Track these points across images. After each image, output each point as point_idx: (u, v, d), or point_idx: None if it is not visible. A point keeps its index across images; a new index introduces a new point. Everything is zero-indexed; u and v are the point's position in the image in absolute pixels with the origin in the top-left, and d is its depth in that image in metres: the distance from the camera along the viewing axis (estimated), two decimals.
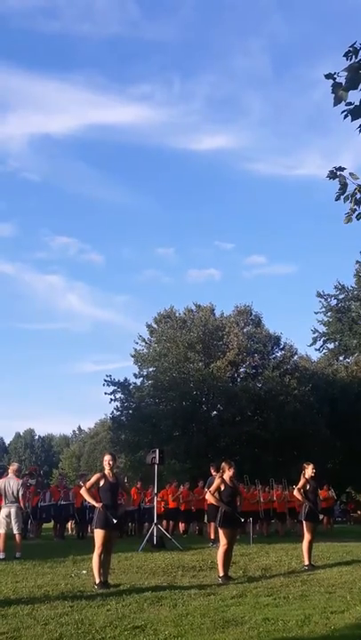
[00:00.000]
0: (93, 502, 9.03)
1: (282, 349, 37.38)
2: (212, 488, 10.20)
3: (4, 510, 12.41)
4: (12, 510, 12.46)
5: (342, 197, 5.97)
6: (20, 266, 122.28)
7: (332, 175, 5.87)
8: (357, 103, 5.16)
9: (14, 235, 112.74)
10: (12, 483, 12.66)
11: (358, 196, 5.96)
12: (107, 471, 9.14)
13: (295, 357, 38.14)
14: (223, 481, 9.91)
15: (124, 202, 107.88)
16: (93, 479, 9.25)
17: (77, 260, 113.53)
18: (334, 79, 5.19)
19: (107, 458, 9.33)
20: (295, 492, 12.07)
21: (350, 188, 5.94)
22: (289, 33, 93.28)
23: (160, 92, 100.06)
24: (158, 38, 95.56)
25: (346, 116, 5.21)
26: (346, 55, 5.09)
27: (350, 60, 5.10)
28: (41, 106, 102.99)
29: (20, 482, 12.90)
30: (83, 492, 9.62)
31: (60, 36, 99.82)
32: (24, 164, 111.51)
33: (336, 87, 5.19)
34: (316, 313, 49.92)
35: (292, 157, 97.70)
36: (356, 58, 5.10)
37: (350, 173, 5.89)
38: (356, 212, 6.07)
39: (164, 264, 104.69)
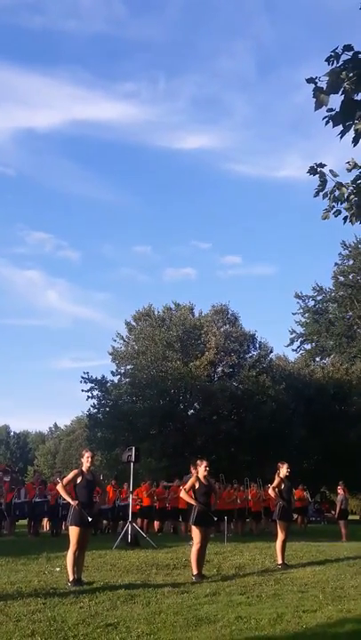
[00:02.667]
0: (69, 499, 9.01)
1: (257, 348, 37.56)
2: (187, 486, 10.23)
3: None
4: None
5: (321, 194, 6.03)
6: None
7: (313, 171, 5.92)
8: (338, 109, 5.21)
9: None
10: None
11: (337, 193, 6.03)
12: (85, 468, 9.12)
13: (271, 356, 38.36)
14: (198, 479, 9.94)
15: (104, 198, 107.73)
16: (70, 475, 9.22)
17: (54, 256, 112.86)
18: (316, 83, 5.24)
19: (87, 454, 9.32)
20: (270, 491, 12.17)
21: (329, 185, 6.00)
22: (274, 35, 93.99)
23: (145, 90, 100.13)
24: (144, 37, 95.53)
25: (327, 122, 5.26)
26: (328, 60, 5.14)
27: (332, 64, 5.15)
28: (25, 100, 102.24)
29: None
30: (59, 488, 9.59)
31: (45, 31, 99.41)
32: (5, 158, 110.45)
33: (317, 91, 5.23)
34: (293, 314, 50.37)
35: (274, 159, 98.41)
36: (337, 63, 5.15)
37: (330, 170, 5.95)
38: (334, 209, 6.14)
39: (141, 262, 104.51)
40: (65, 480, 9.41)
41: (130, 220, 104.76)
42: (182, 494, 10.53)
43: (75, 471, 9.26)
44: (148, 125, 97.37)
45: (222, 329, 36.91)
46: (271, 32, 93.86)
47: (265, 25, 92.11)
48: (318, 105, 5.26)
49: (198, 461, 10.25)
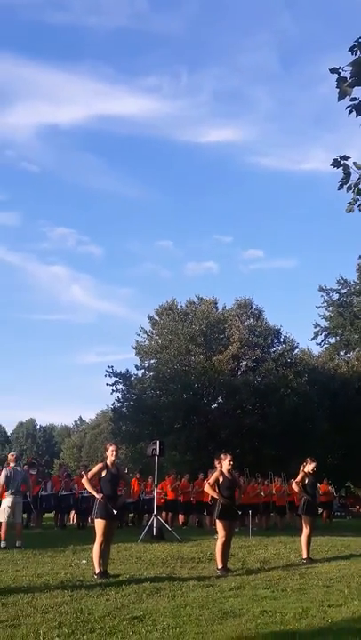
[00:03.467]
0: (94, 492, 9.07)
1: (282, 343, 37.38)
2: (211, 480, 10.25)
3: (8, 499, 12.48)
4: (16, 500, 12.56)
5: (345, 187, 5.96)
6: (24, 256, 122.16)
7: (336, 163, 5.86)
8: None
9: (18, 224, 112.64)
10: (17, 472, 12.77)
11: None
12: (110, 461, 9.18)
13: (296, 351, 38.13)
14: (221, 473, 9.95)
15: (126, 193, 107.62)
16: (95, 469, 9.28)
17: (76, 251, 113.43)
18: (339, 74, 5.19)
19: (112, 448, 9.37)
20: (293, 486, 12.13)
21: (353, 178, 5.93)
22: (296, 28, 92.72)
23: (167, 85, 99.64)
24: (166, 31, 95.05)
25: (351, 112, 5.20)
26: (351, 50, 5.08)
27: (355, 54, 5.09)
28: (49, 96, 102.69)
29: (25, 471, 13.03)
30: (84, 481, 9.66)
31: (68, 27, 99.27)
32: (29, 154, 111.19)
33: (341, 82, 5.18)
34: (317, 307, 49.91)
35: (297, 152, 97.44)
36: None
37: (354, 162, 5.88)
38: (359, 202, 6.07)
39: (163, 257, 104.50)
40: (90, 473, 9.48)
41: (151, 214, 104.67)
42: (207, 488, 10.55)
43: (99, 464, 9.31)
44: (171, 120, 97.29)
45: (246, 323, 36.77)
46: (293, 24, 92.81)
47: (287, 17, 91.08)
48: (342, 95, 5.21)
49: (222, 455, 10.26)
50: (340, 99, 5.22)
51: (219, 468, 10.18)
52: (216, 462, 11.55)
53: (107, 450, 9.42)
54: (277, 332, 37.44)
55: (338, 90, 5.22)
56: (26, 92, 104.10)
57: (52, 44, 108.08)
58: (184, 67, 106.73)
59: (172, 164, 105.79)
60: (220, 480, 9.91)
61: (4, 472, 12.82)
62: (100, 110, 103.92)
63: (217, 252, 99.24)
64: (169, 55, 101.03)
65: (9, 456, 13.78)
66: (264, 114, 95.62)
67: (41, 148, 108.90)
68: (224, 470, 9.97)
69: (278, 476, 23.01)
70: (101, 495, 8.92)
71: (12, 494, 12.51)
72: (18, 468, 13.08)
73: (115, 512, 8.96)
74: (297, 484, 11.57)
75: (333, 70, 5.20)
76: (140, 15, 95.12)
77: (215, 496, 9.95)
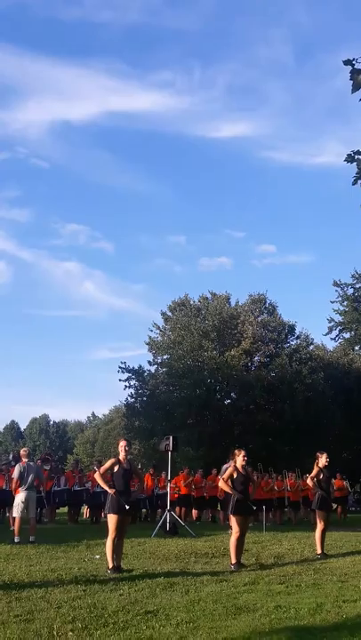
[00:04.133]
0: (107, 487, 9.08)
1: (297, 338, 37.25)
2: (225, 475, 10.23)
3: (22, 495, 12.54)
4: (30, 495, 12.61)
5: (360, 182, 5.91)
6: (37, 252, 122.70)
7: (350, 159, 5.80)
8: None
9: (30, 221, 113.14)
10: (30, 468, 12.83)
11: None
12: (122, 457, 9.19)
13: (310, 347, 37.95)
14: (236, 468, 9.93)
15: (138, 189, 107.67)
16: (108, 464, 9.30)
17: (89, 247, 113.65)
18: (353, 65, 5.14)
19: (122, 443, 9.41)
20: (308, 481, 12.08)
21: None
22: (310, 21, 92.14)
23: (180, 80, 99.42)
24: (179, 26, 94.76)
25: None
26: None
27: None
28: (61, 93, 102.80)
29: (38, 466, 13.10)
30: (96, 476, 9.68)
31: (80, 23, 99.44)
32: (41, 150, 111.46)
33: (354, 73, 5.13)
34: (332, 302, 49.69)
35: (312, 145, 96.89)
36: None
37: None
38: None
39: (175, 252, 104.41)
40: (102, 468, 9.49)
41: (163, 210, 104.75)
42: (221, 483, 10.53)
43: (112, 460, 9.32)
44: (184, 115, 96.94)
45: (259, 318, 36.66)
46: (307, 17, 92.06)
47: (301, 10, 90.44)
48: (356, 87, 5.16)
49: (236, 451, 10.24)
50: (353, 90, 5.17)
51: (233, 464, 10.17)
52: (231, 457, 11.53)
53: (118, 445, 9.47)
54: (292, 328, 37.32)
55: (352, 82, 5.17)
56: (38, 89, 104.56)
57: (65, 39, 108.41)
58: (197, 61, 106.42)
59: (184, 159, 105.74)
60: (235, 475, 9.90)
61: (17, 468, 12.89)
62: (113, 106, 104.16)
63: (230, 248, 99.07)
64: (182, 50, 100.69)
65: (21, 451, 13.85)
66: (278, 108, 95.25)
67: (53, 144, 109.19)
68: (238, 466, 9.96)
69: (292, 471, 22.95)
70: (113, 490, 8.93)
71: (25, 490, 12.57)
72: (31, 464, 13.16)
73: (127, 507, 8.96)
74: (311, 479, 11.53)
75: (347, 62, 5.14)
76: (153, 10, 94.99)
77: (230, 491, 9.94)
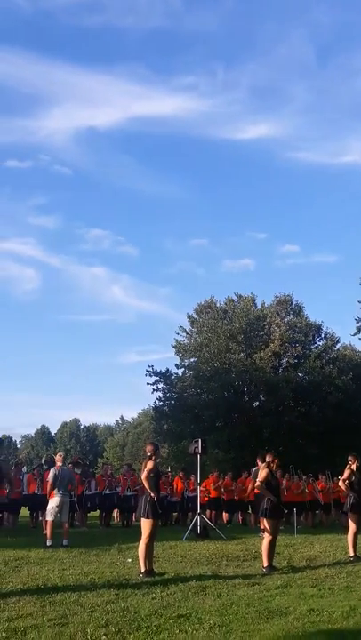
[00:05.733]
0: (152, 492, 8.96)
1: (324, 339, 36.95)
2: (262, 479, 10.18)
3: (56, 499, 12.64)
4: (64, 499, 12.73)
5: None
6: (65, 258, 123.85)
7: None
8: None
9: (57, 227, 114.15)
10: (64, 472, 12.96)
11: None
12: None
13: (337, 347, 37.62)
14: (271, 472, 9.92)
15: (161, 193, 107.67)
16: (151, 466, 9.21)
17: (114, 252, 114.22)
18: None
19: (150, 447, 9.43)
20: (340, 484, 11.98)
21: None
22: (332, 20, 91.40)
23: (203, 83, 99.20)
24: (201, 29, 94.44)
25: None
26: None
27: None
28: (86, 99, 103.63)
29: (71, 470, 13.22)
30: (143, 479, 9.55)
31: (103, 29, 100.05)
32: (66, 157, 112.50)
33: None
34: (359, 302, 49.20)
35: (335, 144, 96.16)
36: None
37: None
38: None
39: (198, 255, 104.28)
40: (146, 471, 9.30)
41: (186, 213, 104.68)
42: (260, 488, 10.45)
43: (153, 462, 9.27)
44: (208, 118, 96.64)
45: (286, 319, 36.47)
46: (328, 16, 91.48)
47: (322, 9, 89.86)
48: None
49: (268, 455, 10.22)
50: None
51: (265, 467, 10.13)
52: (258, 461, 11.47)
53: (147, 450, 9.49)
54: (318, 328, 37.05)
55: None
56: (63, 96, 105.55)
57: (89, 46, 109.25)
58: (220, 64, 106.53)
59: (208, 162, 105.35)
60: (270, 479, 9.90)
61: (52, 472, 13.01)
62: (137, 112, 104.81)
63: (252, 249, 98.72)
64: (204, 53, 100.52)
65: (57, 456, 13.98)
66: (301, 107, 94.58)
67: (78, 151, 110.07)
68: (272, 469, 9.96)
69: (323, 473, 22.75)
70: (156, 495, 8.93)
71: (60, 494, 12.69)
72: (65, 468, 13.29)
73: (160, 511, 8.98)
74: (343, 481, 11.44)
75: None
76: (175, 14, 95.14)
77: (268, 496, 9.89)
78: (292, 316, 37.17)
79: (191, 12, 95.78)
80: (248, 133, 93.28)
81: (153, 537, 8.99)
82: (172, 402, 34.37)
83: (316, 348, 36.13)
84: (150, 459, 9.25)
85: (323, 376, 32.99)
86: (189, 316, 38.47)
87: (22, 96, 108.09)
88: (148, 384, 34.53)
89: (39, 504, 16.55)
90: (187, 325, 38.09)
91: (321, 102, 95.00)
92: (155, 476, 9.19)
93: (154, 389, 34.57)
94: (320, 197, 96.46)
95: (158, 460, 9.51)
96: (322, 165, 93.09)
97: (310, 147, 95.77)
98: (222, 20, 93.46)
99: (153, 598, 7.11)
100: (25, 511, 19.07)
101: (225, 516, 20.84)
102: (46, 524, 13.06)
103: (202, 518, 15.10)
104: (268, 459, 10.23)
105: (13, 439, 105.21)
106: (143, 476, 9.18)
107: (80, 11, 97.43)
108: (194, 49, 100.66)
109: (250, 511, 19.87)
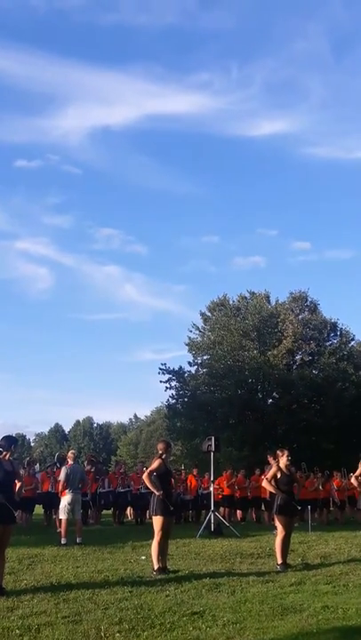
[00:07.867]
0: (155, 489, 9.04)
1: (338, 335, 36.75)
2: (269, 475, 10.17)
3: (68, 497, 12.68)
4: (76, 497, 12.76)
5: None
6: (78, 257, 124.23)
7: None
8: None
9: (70, 227, 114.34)
10: (76, 470, 12.98)
11: None
12: (163, 458, 9.20)
13: (352, 343, 37.40)
14: (279, 469, 9.86)
15: (175, 191, 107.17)
16: (155, 465, 9.27)
17: (125, 251, 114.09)
18: None
19: (161, 445, 9.42)
20: (352, 480, 11.91)
21: None
22: (348, 15, 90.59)
23: (218, 80, 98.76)
24: (215, 26, 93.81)
25: None
26: None
27: None
28: (100, 98, 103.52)
29: (83, 468, 13.25)
30: (145, 477, 9.64)
31: (117, 28, 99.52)
32: (80, 156, 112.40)
33: None
34: None
35: (350, 140, 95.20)
36: None
37: None
38: None
39: (210, 252, 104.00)
40: (149, 470, 9.41)
41: (197, 210, 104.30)
42: (265, 483, 10.46)
43: (159, 461, 9.29)
44: (223, 115, 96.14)
45: (300, 316, 36.31)
46: (344, 10, 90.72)
47: (338, 4, 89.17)
48: None
49: (279, 452, 10.19)
50: None
51: (276, 464, 10.09)
52: (270, 459, 11.42)
53: (158, 448, 9.49)
54: (334, 325, 36.86)
55: None
56: (77, 95, 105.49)
57: (103, 45, 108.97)
58: (234, 60, 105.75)
59: (223, 159, 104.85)
60: (279, 476, 9.83)
61: (64, 470, 13.05)
62: (151, 110, 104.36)
63: (263, 246, 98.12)
64: (218, 50, 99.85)
65: (69, 454, 14.02)
66: (317, 103, 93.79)
67: (93, 149, 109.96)
68: (282, 466, 9.89)
69: (338, 470, 22.65)
70: (161, 492, 8.94)
71: (71, 492, 12.71)
72: (77, 466, 13.32)
73: (171, 508, 8.97)
74: (356, 478, 11.36)
75: None
76: (188, 11, 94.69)
77: (273, 491, 9.87)
78: (306, 313, 37.00)
79: (205, 9, 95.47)
80: (263, 130, 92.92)
81: (166, 534, 8.99)
82: (186, 399, 34.35)
83: (330, 345, 35.92)
84: (159, 457, 9.25)
85: (338, 372, 32.81)
86: (202, 314, 38.44)
87: (37, 95, 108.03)
88: (161, 382, 34.60)
89: (53, 502, 16.62)
90: (200, 323, 38.08)
91: (337, 97, 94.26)
92: (162, 474, 9.17)
93: (167, 387, 34.60)
94: (335, 193, 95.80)
95: (171, 459, 9.51)
96: (337, 160, 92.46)
97: (326, 142, 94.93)
98: (235, 16, 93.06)
99: (167, 595, 7.09)
100: (39, 509, 19.15)
101: (239, 513, 20.81)
102: (59, 523, 13.10)
103: (216, 516, 15.08)
104: (278, 454, 10.20)
105: (27, 437, 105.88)
106: (144, 474, 9.21)
107: (94, 9, 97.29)
108: (208, 46, 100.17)
109: (263, 508, 19.82)
